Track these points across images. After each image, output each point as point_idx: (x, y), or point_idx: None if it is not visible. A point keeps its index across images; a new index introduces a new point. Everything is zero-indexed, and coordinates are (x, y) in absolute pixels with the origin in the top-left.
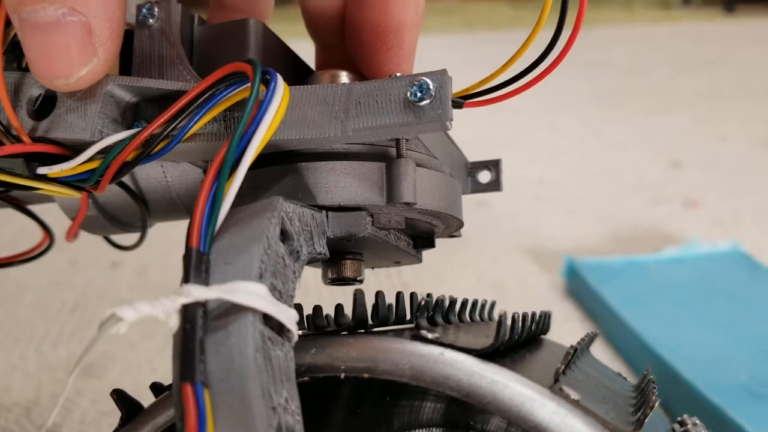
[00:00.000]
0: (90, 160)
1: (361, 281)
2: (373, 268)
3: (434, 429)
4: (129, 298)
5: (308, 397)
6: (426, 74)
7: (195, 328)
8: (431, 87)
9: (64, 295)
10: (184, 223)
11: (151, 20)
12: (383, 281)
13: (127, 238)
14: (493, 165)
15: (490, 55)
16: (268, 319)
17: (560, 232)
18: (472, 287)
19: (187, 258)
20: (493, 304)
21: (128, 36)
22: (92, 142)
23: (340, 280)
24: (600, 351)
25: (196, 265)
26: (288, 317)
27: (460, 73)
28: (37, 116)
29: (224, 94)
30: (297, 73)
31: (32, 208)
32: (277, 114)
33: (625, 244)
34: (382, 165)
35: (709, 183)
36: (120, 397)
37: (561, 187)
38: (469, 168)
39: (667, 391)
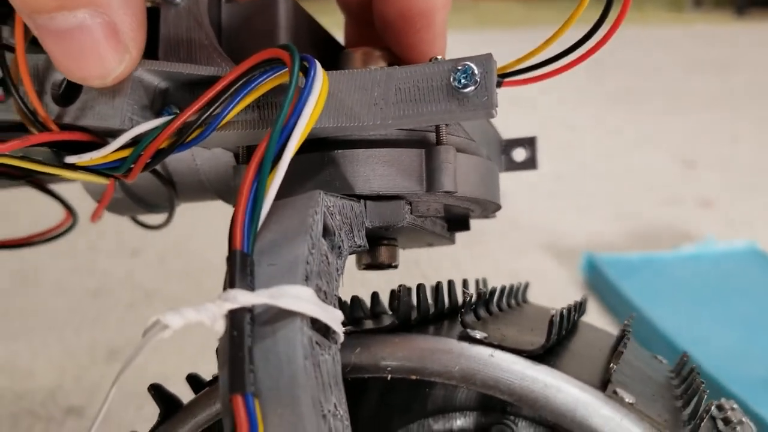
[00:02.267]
0: (121, 148)
1: (395, 267)
2: (404, 248)
3: (468, 413)
4: (150, 287)
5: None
6: (471, 59)
7: (243, 336)
8: (476, 72)
9: (86, 282)
10: (206, 206)
11: None
12: (401, 270)
13: (152, 218)
14: (529, 143)
15: (502, 53)
16: (314, 322)
17: (576, 228)
18: (490, 279)
19: (231, 260)
20: (526, 286)
21: (152, 13)
22: (122, 130)
23: (375, 266)
24: None
25: (241, 268)
26: (335, 319)
27: None
28: (63, 102)
29: (260, 80)
30: (327, 51)
31: (54, 186)
32: (317, 104)
33: (640, 241)
34: (421, 152)
35: (722, 183)
36: (158, 392)
37: (577, 184)
38: (504, 146)
39: None
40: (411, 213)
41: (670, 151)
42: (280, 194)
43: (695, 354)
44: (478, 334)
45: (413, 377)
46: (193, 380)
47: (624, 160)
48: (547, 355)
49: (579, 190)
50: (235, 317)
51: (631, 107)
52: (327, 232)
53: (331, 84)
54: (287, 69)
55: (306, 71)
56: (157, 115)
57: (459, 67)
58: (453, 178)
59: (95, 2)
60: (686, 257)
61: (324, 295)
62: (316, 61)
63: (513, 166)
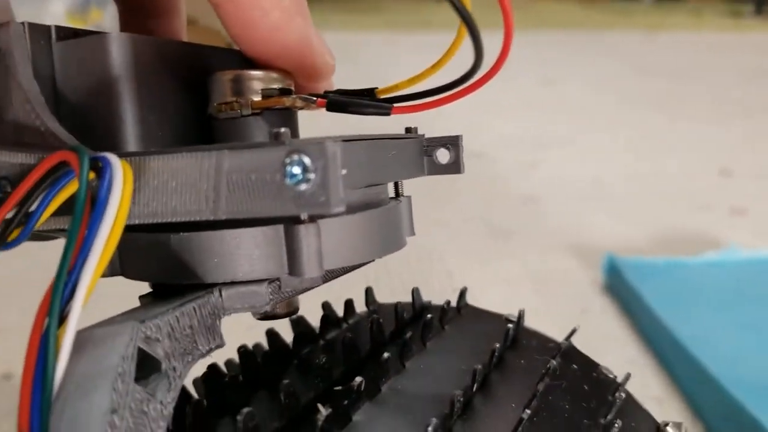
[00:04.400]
0: None
1: (296, 313)
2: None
3: None
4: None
5: None
6: (304, 146)
7: None
8: (309, 167)
9: None
10: None
11: None
12: (424, 268)
13: None
14: (452, 143)
15: (556, 54)
16: None
17: (606, 231)
18: (514, 277)
19: None
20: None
21: None
22: None
23: (271, 317)
24: (633, 346)
25: None
26: None
27: (524, 71)
28: None
29: (56, 189)
30: (198, 82)
31: None
32: (115, 227)
33: (669, 247)
34: (279, 230)
35: (757, 193)
36: None
37: (611, 188)
38: (425, 146)
39: (695, 388)
40: (280, 290)
41: (708, 158)
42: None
43: (707, 359)
44: None
45: None
46: None
47: (660, 166)
48: None
49: (611, 193)
50: None
51: (675, 112)
52: (147, 367)
53: (148, 179)
54: (75, 172)
55: (101, 174)
56: None
57: (291, 159)
58: (317, 262)
59: None
60: (709, 263)
61: None
62: (113, 161)
63: (436, 169)
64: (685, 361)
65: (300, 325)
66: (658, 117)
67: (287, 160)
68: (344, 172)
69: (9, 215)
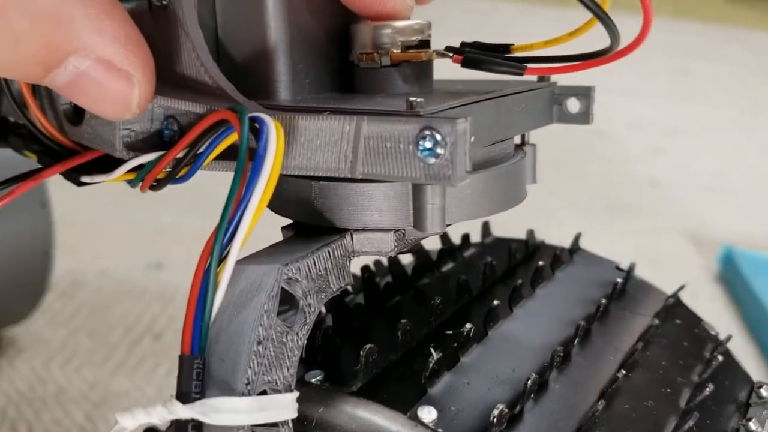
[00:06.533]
0: (127, 173)
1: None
2: None
3: None
4: None
5: None
6: (439, 122)
7: None
8: (440, 141)
9: None
10: None
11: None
12: (540, 231)
13: None
14: (583, 93)
15: (694, 45)
16: None
17: (725, 223)
18: (627, 254)
19: (180, 364)
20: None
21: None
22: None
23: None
24: (738, 335)
25: (187, 375)
26: (278, 416)
27: (660, 58)
28: (75, 119)
29: (217, 142)
30: (336, 27)
31: None
32: (270, 181)
33: None
34: (408, 187)
35: None
36: None
37: (736, 183)
38: (556, 95)
39: None
40: (404, 237)
41: None
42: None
43: None
44: (427, 416)
45: None
46: None
47: None
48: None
49: (735, 187)
50: (178, 427)
51: None
52: (287, 303)
53: (296, 135)
54: (237, 131)
55: (258, 134)
56: (159, 135)
57: (426, 132)
58: (440, 220)
59: (75, 48)
60: None
61: (275, 384)
62: (269, 123)
63: (564, 118)
64: None
65: (420, 255)
66: None
67: (421, 134)
68: (472, 139)
69: (180, 155)
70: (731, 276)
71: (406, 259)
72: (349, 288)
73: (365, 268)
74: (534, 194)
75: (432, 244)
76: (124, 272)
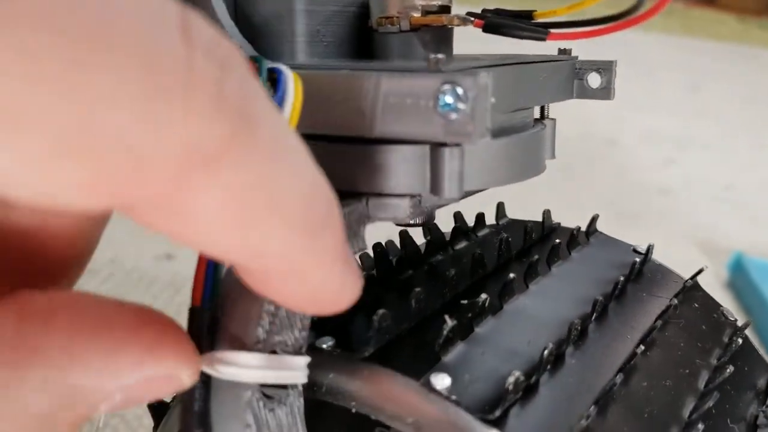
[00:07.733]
0: None
1: (432, 220)
2: None
3: None
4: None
5: None
6: (460, 76)
7: (192, 401)
8: (461, 95)
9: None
10: None
11: None
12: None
13: None
14: (605, 67)
15: (706, 63)
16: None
17: (736, 233)
18: None
19: (189, 318)
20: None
21: None
22: None
23: (408, 224)
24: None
25: (198, 328)
26: (289, 378)
27: (672, 74)
28: None
29: None
30: (355, 13)
31: None
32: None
33: None
34: (425, 151)
35: None
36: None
37: (747, 195)
38: (578, 69)
39: None
40: (420, 205)
41: None
42: None
43: None
44: (440, 383)
45: (372, 417)
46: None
47: None
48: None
49: (745, 199)
50: None
51: None
52: None
53: (314, 91)
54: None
55: (275, 84)
56: None
57: (447, 86)
58: (458, 184)
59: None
60: None
61: (285, 345)
62: (287, 73)
63: (585, 93)
64: None
65: (433, 232)
66: None
67: (441, 89)
68: (493, 100)
69: None
70: (741, 283)
71: (419, 239)
72: (359, 261)
73: (377, 245)
74: (544, 199)
75: (445, 226)
76: (134, 262)
